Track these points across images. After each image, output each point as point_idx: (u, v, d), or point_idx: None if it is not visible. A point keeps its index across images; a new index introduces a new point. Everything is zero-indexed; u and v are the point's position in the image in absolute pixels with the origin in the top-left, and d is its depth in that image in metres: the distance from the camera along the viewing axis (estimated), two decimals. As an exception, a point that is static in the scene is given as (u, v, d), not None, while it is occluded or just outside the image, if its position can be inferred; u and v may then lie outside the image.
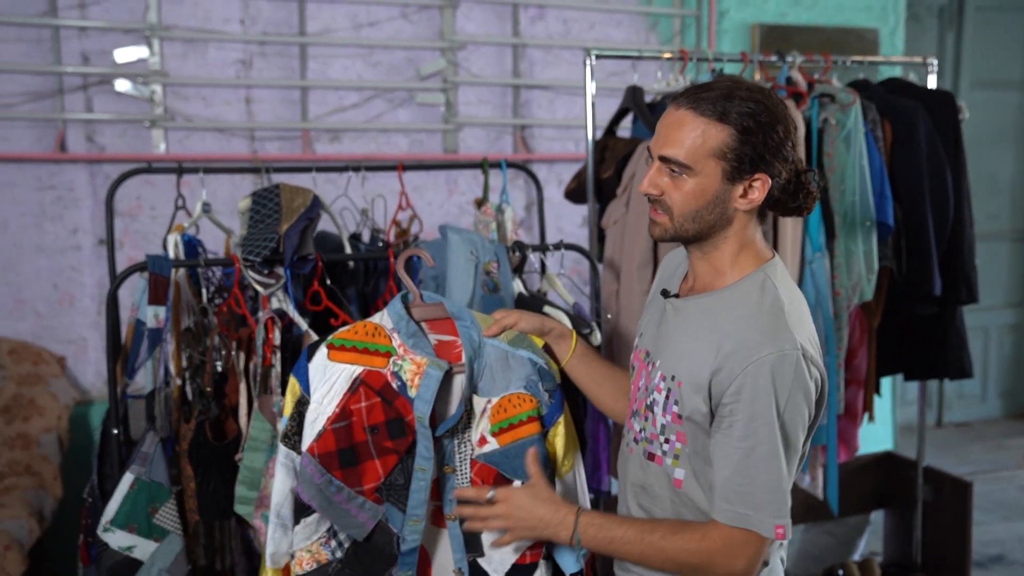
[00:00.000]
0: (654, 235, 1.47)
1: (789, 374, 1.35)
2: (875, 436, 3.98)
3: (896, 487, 3.35)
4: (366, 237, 2.47)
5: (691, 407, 1.42)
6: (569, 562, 1.61)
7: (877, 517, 3.67)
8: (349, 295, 2.23)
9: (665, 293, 1.54)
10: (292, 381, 1.61)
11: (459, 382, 1.61)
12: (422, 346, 1.60)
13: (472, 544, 1.62)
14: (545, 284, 2.27)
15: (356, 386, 1.57)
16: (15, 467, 3.04)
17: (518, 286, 2.16)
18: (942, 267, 2.65)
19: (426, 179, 3.87)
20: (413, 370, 1.57)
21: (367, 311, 2.29)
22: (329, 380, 1.57)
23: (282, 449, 1.61)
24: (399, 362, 1.59)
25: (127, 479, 1.91)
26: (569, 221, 4.04)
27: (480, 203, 2.55)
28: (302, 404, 1.59)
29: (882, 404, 3.65)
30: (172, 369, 2.05)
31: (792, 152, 1.41)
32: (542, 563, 1.61)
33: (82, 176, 3.51)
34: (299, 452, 1.59)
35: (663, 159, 1.42)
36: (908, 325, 2.78)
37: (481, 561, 1.62)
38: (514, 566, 1.60)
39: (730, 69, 2.74)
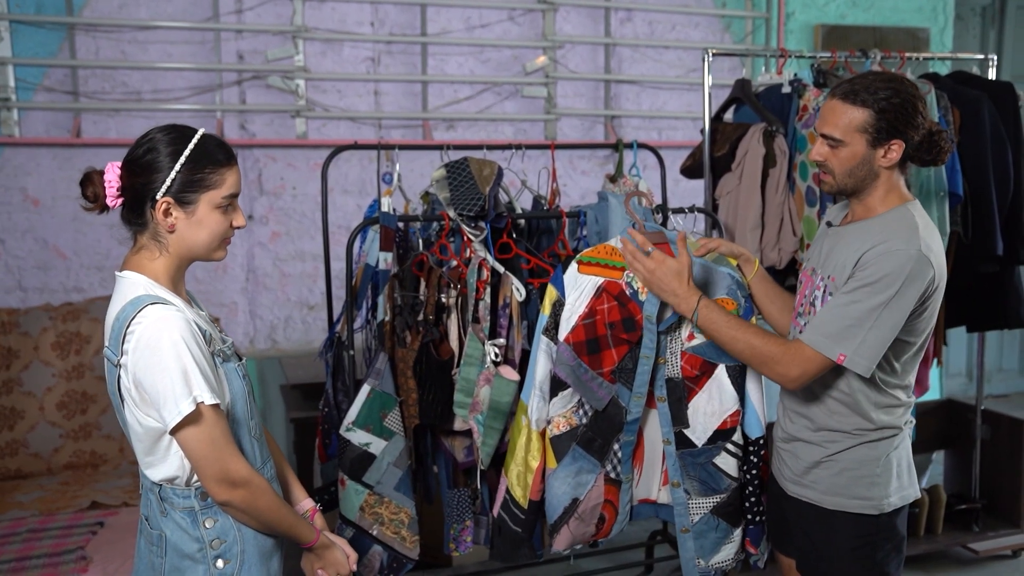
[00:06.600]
0: (824, 189, 1.96)
1: (907, 265, 1.79)
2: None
3: (956, 428, 3.72)
4: (524, 203, 2.95)
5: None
6: (755, 427, 2.10)
7: (938, 457, 4.10)
8: (519, 247, 2.71)
9: (829, 224, 2.02)
10: (550, 288, 2.10)
11: None
12: None
13: (678, 418, 2.10)
14: (680, 240, 2.74)
15: (600, 293, 2.08)
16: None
17: (661, 240, 2.63)
18: (1003, 231, 3.09)
19: (527, 163, 4.34)
20: (642, 280, 2.05)
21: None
22: (579, 287, 2.07)
23: (543, 340, 2.10)
24: (631, 274, 2.07)
25: (365, 389, 2.39)
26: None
27: (613, 178, 3.02)
28: (558, 306, 2.09)
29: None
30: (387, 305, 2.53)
31: (923, 120, 1.87)
32: (736, 429, 2.09)
33: (235, 160, 3.99)
34: (556, 342, 2.09)
35: (823, 136, 1.90)
36: (972, 282, 3.22)
37: (686, 431, 2.10)
38: (716, 431, 2.08)
39: (802, 63, 3.21)
